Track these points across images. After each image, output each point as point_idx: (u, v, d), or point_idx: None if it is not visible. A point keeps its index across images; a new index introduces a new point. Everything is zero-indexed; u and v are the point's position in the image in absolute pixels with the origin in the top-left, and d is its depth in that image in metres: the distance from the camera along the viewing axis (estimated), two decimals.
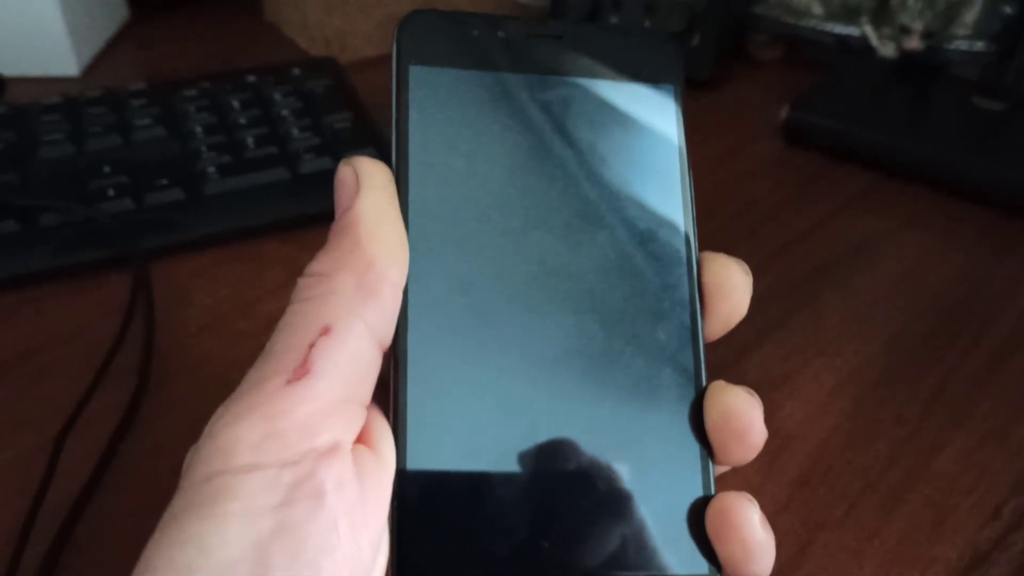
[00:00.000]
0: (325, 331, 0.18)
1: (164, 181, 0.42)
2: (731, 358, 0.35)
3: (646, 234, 0.22)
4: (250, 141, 0.45)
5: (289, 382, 0.17)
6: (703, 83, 0.56)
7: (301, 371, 0.18)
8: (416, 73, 0.22)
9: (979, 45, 0.51)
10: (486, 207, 0.21)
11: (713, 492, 0.20)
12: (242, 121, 0.47)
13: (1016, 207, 0.44)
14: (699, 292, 0.22)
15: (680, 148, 0.23)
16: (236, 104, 0.48)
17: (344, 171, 0.20)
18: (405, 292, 0.20)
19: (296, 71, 0.52)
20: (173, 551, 0.16)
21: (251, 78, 0.51)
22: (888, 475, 0.31)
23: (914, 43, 0.51)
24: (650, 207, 0.22)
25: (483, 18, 0.23)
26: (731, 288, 0.21)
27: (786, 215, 0.44)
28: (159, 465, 0.31)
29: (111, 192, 0.42)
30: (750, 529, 0.19)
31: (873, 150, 0.47)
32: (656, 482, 0.20)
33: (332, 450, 0.17)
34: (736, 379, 0.20)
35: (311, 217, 0.43)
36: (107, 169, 0.43)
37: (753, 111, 0.53)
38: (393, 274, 0.19)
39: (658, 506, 0.20)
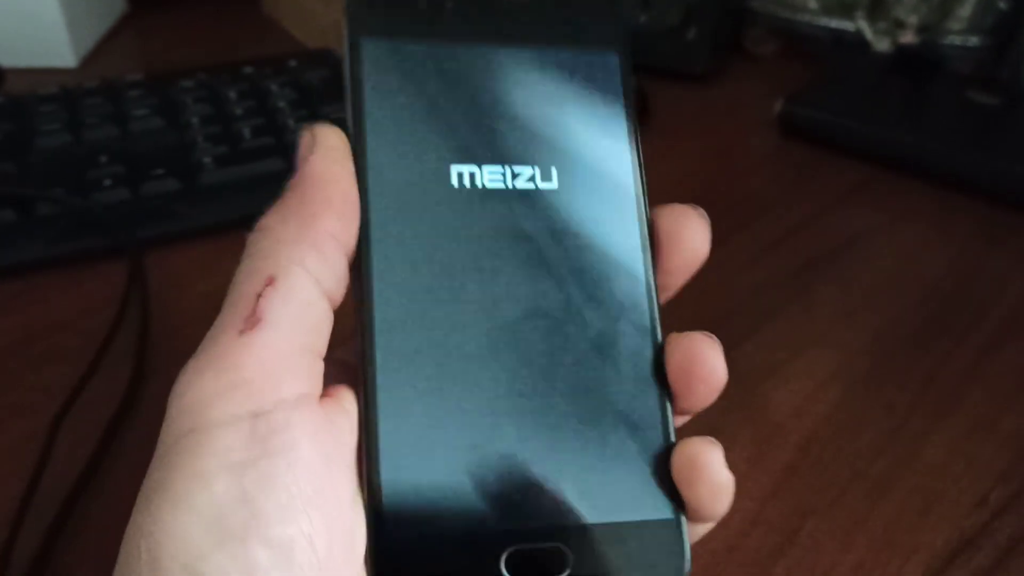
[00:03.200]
0: (270, 281, 0.18)
1: (160, 171, 0.43)
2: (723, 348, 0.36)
3: (595, 197, 0.22)
4: (246, 132, 0.45)
5: (242, 332, 0.18)
6: (699, 77, 0.56)
7: (251, 321, 0.18)
8: (367, 45, 0.22)
9: (973, 40, 0.51)
10: (441, 177, 0.22)
11: (674, 440, 0.21)
12: (238, 112, 0.47)
13: (1010, 201, 0.44)
14: (651, 244, 0.22)
15: (623, 111, 0.23)
16: (233, 95, 0.49)
17: (302, 135, 0.21)
18: (367, 256, 0.20)
19: (293, 63, 0.52)
20: (164, 514, 0.16)
21: (248, 70, 0.51)
22: (876, 464, 0.31)
23: (908, 37, 0.52)
24: (598, 172, 0.23)
25: None
26: (685, 234, 0.22)
27: (780, 208, 0.45)
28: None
29: (108, 182, 0.42)
30: (716, 471, 0.20)
31: (867, 144, 0.47)
32: (620, 433, 0.21)
33: (301, 400, 0.18)
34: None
35: None
36: (104, 159, 0.44)
37: (749, 105, 0.54)
38: (334, 226, 0.19)
39: (623, 456, 0.21)
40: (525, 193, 0.22)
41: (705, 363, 0.21)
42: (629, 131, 0.23)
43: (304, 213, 0.19)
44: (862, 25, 0.54)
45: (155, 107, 0.48)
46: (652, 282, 0.22)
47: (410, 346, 0.20)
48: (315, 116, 0.47)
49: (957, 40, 0.51)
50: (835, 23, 0.55)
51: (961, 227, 0.43)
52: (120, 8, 0.65)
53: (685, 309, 0.38)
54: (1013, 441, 0.32)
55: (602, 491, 0.20)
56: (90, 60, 0.60)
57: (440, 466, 0.20)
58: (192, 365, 0.18)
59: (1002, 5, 0.49)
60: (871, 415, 0.33)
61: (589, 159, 0.23)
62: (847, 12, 0.54)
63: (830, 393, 0.34)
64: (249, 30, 0.64)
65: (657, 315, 0.22)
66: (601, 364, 0.21)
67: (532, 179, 0.22)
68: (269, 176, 0.43)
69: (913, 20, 0.51)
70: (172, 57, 0.60)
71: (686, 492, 0.20)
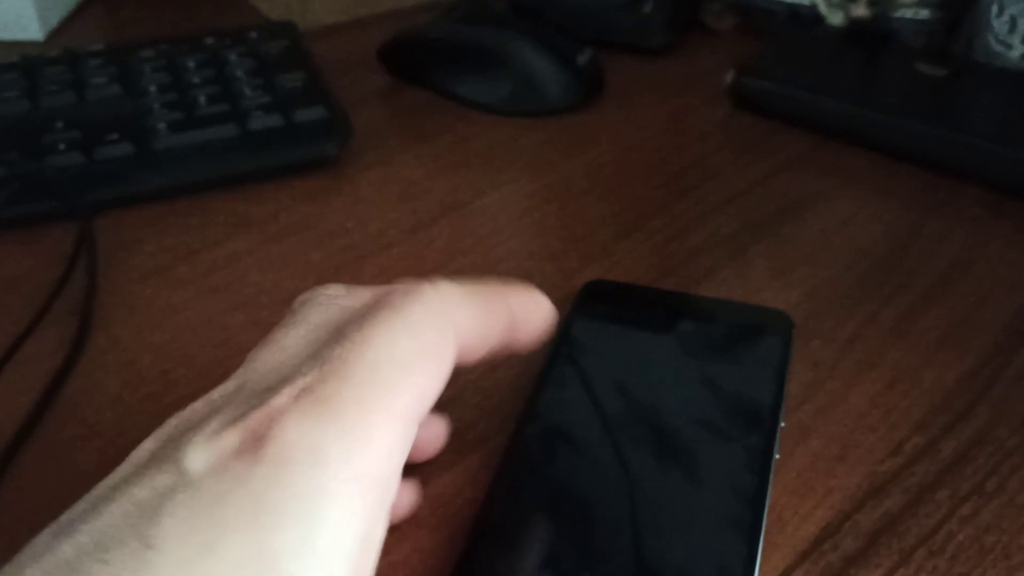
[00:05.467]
0: None
1: (115, 136, 0.43)
2: None
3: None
4: (202, 99, 0.46)
5: None
6: (656, 51, 0.57)
7: None
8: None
9: (923, 13, 0.52)
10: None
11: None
12: (196, 80, 0.48)
13: (951, 168, 0.45)
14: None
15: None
16: (192, 64, 0.49)
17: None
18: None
19: (254, 34, 0.53)
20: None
21: (209, 40, 0.52)
22: (797, 414, 0.32)
23: (860, 11, 0.52)
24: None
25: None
26: (534, 319, 0.26)
27: (726, 175, 0.45)
28: (99, 401, 0.33)
29: (62, 146, 0.43)
30: None
31: (815, 114, 0.48)
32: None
33: None
34: None
35: (258, 171, 0.44)
36: (60, 124, 0.44)
37: (704, 78, 0.54)
38: None
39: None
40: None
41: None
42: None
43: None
44: (816, 0, 0.54)
45: (114, 75, 0.48)
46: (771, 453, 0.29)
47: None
48: (271, 84, 0.48)
49: (908, 13, 0.52)
50: None
51: (901, 194, 0.44)
52: None
53: (618, 270, 0.39)
54: (933, 393, 0.33)
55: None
56: (57, 34, 0.60)
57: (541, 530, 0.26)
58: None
59: None
60: (796, 368, 0.33)
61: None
62: None
63: None
64: (218, 6, 0.65)
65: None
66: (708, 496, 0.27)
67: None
68: (222, 142, 0.44)
69: None
70: (140, 31, 0.60)
71: None
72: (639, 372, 0.31)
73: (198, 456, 0.18)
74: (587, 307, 0.35)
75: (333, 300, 0.23)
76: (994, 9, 0.50)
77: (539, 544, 0.26)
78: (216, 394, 0.21)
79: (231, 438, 0.18)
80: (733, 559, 0.25)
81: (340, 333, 0.21)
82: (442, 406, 0.32)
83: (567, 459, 0.28)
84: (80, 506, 0.19)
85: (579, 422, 0.29)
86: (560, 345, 0.33)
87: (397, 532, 0.27)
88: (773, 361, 0.32)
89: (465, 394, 0.33)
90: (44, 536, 0.18)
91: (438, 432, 0.29)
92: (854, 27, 0.53)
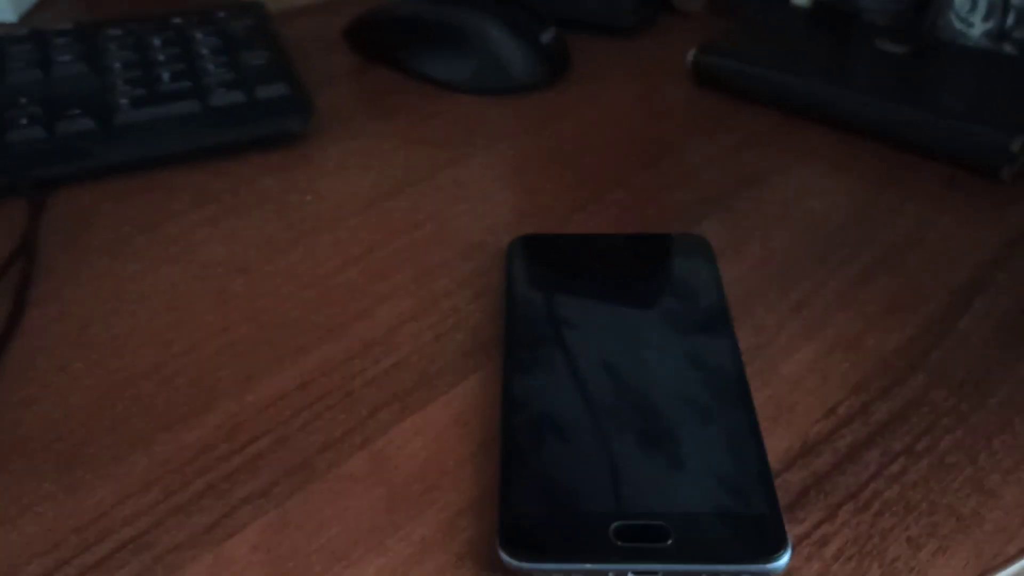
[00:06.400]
0: None
1: (76, 111, 0.44)
2: None
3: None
4: (166, 76, 0.47)
5: None
6: (626, 31, 0.57)
7: None
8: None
9: None
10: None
11: (764, 448, 0.28)
12: (160, 58, 0.48)
13: (909, 144, 0.45)
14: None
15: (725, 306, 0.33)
16: (157, 42, 0.50)
17: None
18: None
19: (221, 14, 0.53)
20: None
21: (177, 19, 0.53)
22: None
23: None
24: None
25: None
26: None
27: (685, 151, 0.46)
28: (45, 367, 0.33)
29: (23, 121, 0.43)
30: None
31: (776, 91, 0.48)
32: (719, 445, 0.28)
33: None
34: None
35: (220, 147, 0.44)
36: (23, 100, 0.45)
37: (671, 58, 0.55)
38: None
39: (723, 465, 0.27)
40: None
41: None
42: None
43: None
44: None
45: (80, 53, 0.49)
46: (739, 356, 0.31)
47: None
48: (234, 62, 0.48)
49: None
50: None
51: (859, 169, 0.44)
52: None
53: None
54: (872, 358, 0.33)
55: (705, 488, 0.26)
56: (30, 16, 0.61)
57: (561, 461, 0.27)
58: None
59: None
60: (739, 334, 0.34)
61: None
62: None
63: None
64: None
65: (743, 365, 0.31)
66: (701, 395, 0.29)
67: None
68: (184, 117, 0.44)
69: None
70: (112, 13, 0.61)
71: None
72: (598, 309, 0.33)
73: None
74: (522, 260, 0.36)
75: None
76: None
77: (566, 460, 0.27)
78: None
79: None
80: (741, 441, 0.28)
81: None
82: (384, 372, 0.32)
83: (565, 394, 0.30)
84: None
85: (563, 364, 0.31)
86: (512, 303, 0.34)
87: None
88: (708, 274, 0.35)
89: (410, 359, 0.33)
90: None
91: None
92: (820, 6, 0.53)
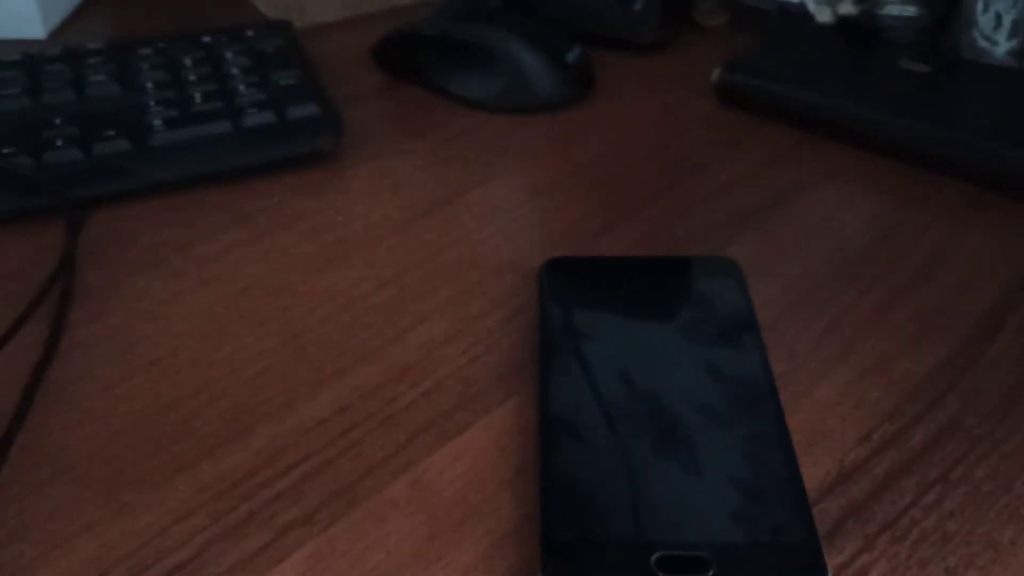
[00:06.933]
0: None
1: (111, 132, 0.44)
2: None
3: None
4: (198, 96, 0.47)
5: None
6: (648, 47, 0.57)
7: None
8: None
9: (910, 10, 0.52)
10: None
11: (801, 478, 0.28)
12: (192, 78, 0.49)
13: (933, 163, 0.45)
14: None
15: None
16: (188, 62, 0.50)
17: None
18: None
19: (250, 32, 0.54)
20: None
21: (206, 39, 0.53)
22: None
23: (847, 8, 0.53)
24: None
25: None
26: None
27: (712, 169, 0.46)
28: (89, 389, 0.34)
29: (59, 142, 0.44)
30: None
31: (801, 110, 0.49)
32: (757, 474, 0.28)
33: None
34: None
35: (252, 168, 0.45)
36: (58, 121, 0.45)
37: (694, 75, 0.55)
38: None
39: (762, 493, 0.27)
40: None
41: None
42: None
43: None
44: None
45: (112, 73, 0.49)
46: (772, 379, 0.32)
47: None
48: (265, 82, 0.49)
49: (895, 10, 0.53)
50: None
51: (884, 188, 0.44)
52: None
53: None
54: (905, 383, 0.33)
55: (745, 517, 0.26)
56: (59, 32, 0.61)
57: (601, 487, 0.28)
58: None
59: None
60: (772, 358, 0.34)
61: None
62: None
63: None
64: (220, 3, 0.66)
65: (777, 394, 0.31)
66: (737, 421, 0.30)
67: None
68: (216, 138, 0.45)
69: None
70: (140, 29, 0.61)
71: None
72: (631, 334, 0.34)
73: None
74: (555, 284, 0.37)
75: None
76: (979, 6, 0.50)
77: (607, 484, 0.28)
78: None
79: None
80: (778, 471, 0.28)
81: None
82: (421, 396, 0.33)
83: (601, 419, 0.30)
84: None
85: (598, 388, 0.31)
86: (546, 327, 0.34)
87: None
88: (739, 298, 0.36)
89: (446, 383, 0.34)
90: None
91: None
92: (842, 24, 0.54)
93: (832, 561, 0.27)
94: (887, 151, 0.47)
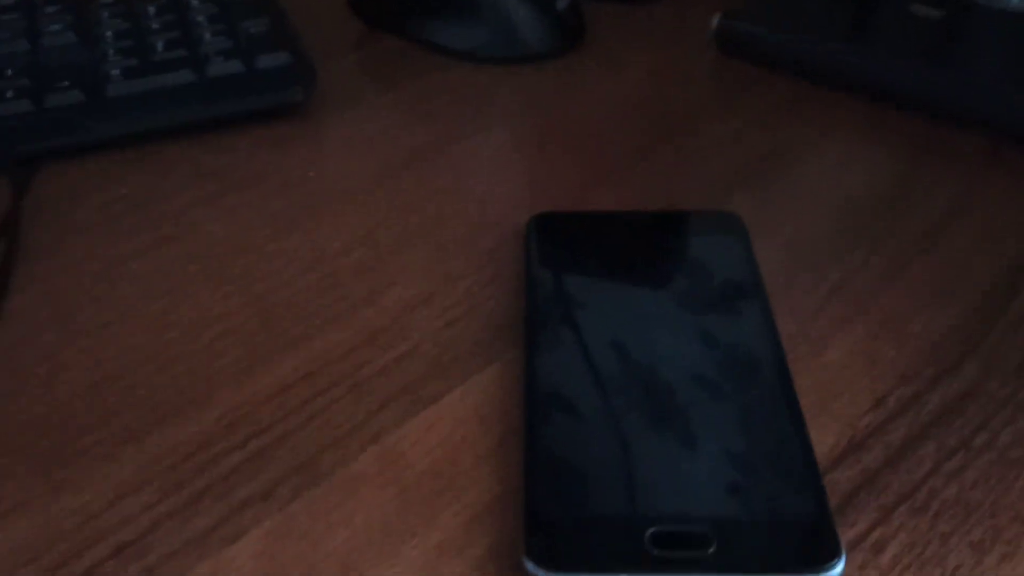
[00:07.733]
0: None
1: (66, 83, 0.41)
2: None
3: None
4: (159, 45, 0.44)
5: None
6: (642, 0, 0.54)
7: None
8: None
9: None
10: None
11: (812, 450, 0.25)
12: (155, 27, 0.46)
13: (946, 112, 0.42)
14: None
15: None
16: (152, 10, 0.47)
17: None
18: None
19: None
20: None
21: None
22: None
23: None
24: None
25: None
26: None
27: (709, 122, 0.43)
28: (31, 355, 0.31)
29: (9, 93, 0.41)
30: None
31: (804, 59, 0.46)
32: (765, 446, 0.25)
33: None
34: None
35: (217, 120, 0.42)
36: (10, 72, 0.42)
37: (691, 26, 0.52)
38: None
39: (769, 466, 0.25)
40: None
41: None
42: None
43: None
44: None
45: (70, 23, 0.46)
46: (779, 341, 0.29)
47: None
48: (233, 29, 0.45)
49: None
50: None
51: (892, 141, 0.42)
52: None
53: None
54: (920, 343, 0.31)
55: (748, 489, 0.24)
56: None
57: (592, 459, 0.25)
58: None
59: None
60: (777, 319, 0.31)
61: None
62: None
63: None
64: None
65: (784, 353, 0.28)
66: (740, 386, 0.27)
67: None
68: (178, 88, 0.42)
69: None
70: None
71: None
72: (626, 293, 0.31)
73: None
74: (542, 241, 0.33)
75: None
76: None
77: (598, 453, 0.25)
78: None
79: None
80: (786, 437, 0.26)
81: None
82: (393, 361, 0.30)
83: (593, 386, 0.27)
84: None
85: (590, 353, 0.28)
86: (532, 287, 0.31)
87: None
88: (742, 254, 0.33)
89: (421, 347, 0.31)
90: None
91: None
92: None
93: (845, 536, 0.24)
94: (896, 101, 0.44)
